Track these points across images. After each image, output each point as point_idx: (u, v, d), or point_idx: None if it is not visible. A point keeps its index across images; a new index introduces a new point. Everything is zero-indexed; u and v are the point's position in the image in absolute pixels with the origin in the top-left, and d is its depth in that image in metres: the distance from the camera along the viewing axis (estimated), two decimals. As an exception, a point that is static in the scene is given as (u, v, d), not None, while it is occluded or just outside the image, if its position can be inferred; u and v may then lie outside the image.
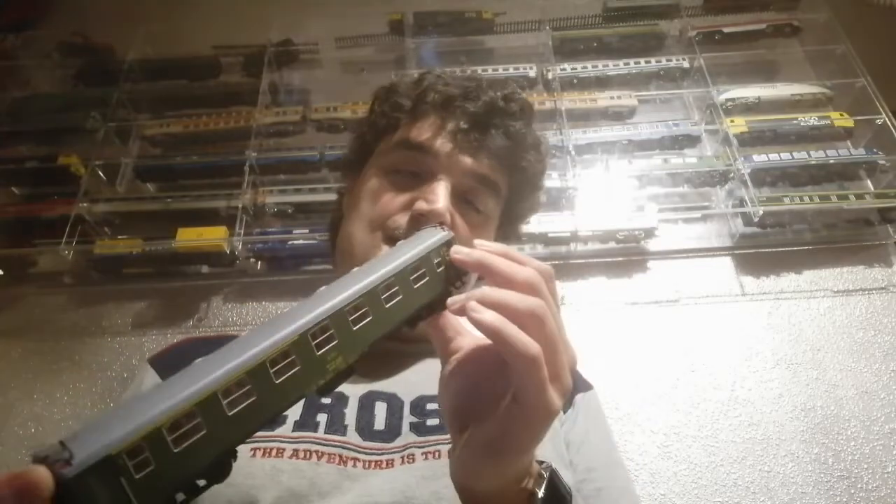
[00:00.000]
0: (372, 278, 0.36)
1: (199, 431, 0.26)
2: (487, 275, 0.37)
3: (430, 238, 0.40)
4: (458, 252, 0.39)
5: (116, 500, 0.23)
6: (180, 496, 0.26)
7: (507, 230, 0.74)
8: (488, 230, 0.68)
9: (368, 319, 0.35)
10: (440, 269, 0.40)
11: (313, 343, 0.32)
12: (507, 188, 0.69)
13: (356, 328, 0.34)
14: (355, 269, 0.37)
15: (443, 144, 0.64)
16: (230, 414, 0.27)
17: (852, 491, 0.89)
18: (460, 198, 0.64)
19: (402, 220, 0.62)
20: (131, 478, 0.24)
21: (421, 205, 0.60)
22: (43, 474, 0.22)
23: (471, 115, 0.65)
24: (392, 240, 0.62)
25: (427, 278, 0.39)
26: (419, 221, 0.60)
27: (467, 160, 0.64)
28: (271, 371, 0.29)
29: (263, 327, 0.31)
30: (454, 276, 0.41)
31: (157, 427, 0.25)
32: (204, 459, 0.27)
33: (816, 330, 1.05)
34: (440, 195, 0.60)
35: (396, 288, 0.37)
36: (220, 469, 0.28)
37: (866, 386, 0.99)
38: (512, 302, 0.34)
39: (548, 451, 0.54)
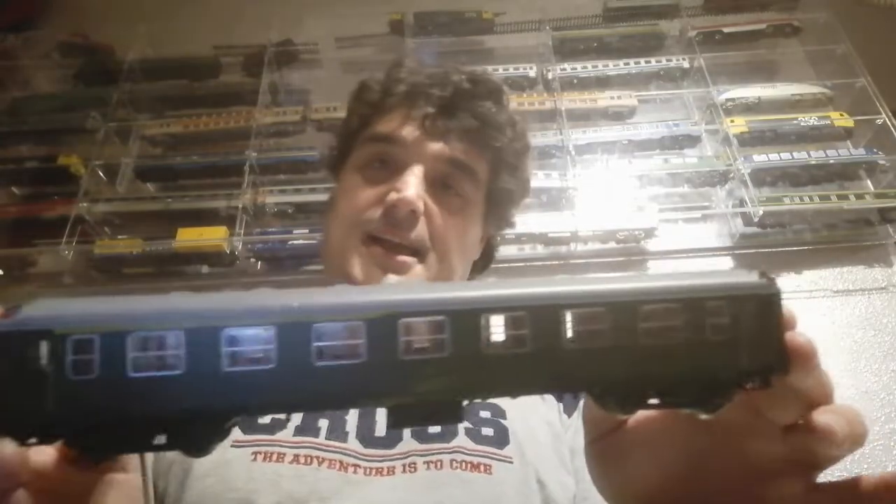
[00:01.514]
0: (550, 289, 0.23)
1: (175, 368, 0.20)
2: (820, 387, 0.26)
3: (739, 277, 0.25)
4: (795, 332, 0.25)
5: (30, 387, 0.19)
6: (161, 438, 0.21)
7: (495, 215, 0.73)
8: (471, 215, 0.67)
9: (518, 350, 0.22)
10: (717, 340, 0.24)
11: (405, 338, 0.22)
12: (485, 171, 0.68)
13: (491, 354, 0.22)
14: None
15: (410, 132, 0.64)
16: (226, 370, 0.21)
17: (852, 491, 0.89)
18: (437, 184, 0.64)
19: (375, 213, 0.62)
20: (59, 372, 0.20)
21: (392, 195, 0.60)
22: None
23: (437, 100, 0.65)
24: (369, 238, 0.61)
25: (675, 340, 0.23)
26: (392, 213, 0.60)
27: (437, 145, 0.63)
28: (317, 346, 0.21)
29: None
30: (748, 366, 0.24)
31: (124, 330, 0.20)
32: (171, 405, 0.20)
33: (816, 330, 1.05)
34: (409, 183, 0.60)
35: (673, 323, 0.23)
36: (190, 433, 0.21)
37: (866, 386, 0.99)
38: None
39: (549, 457, 0.53)
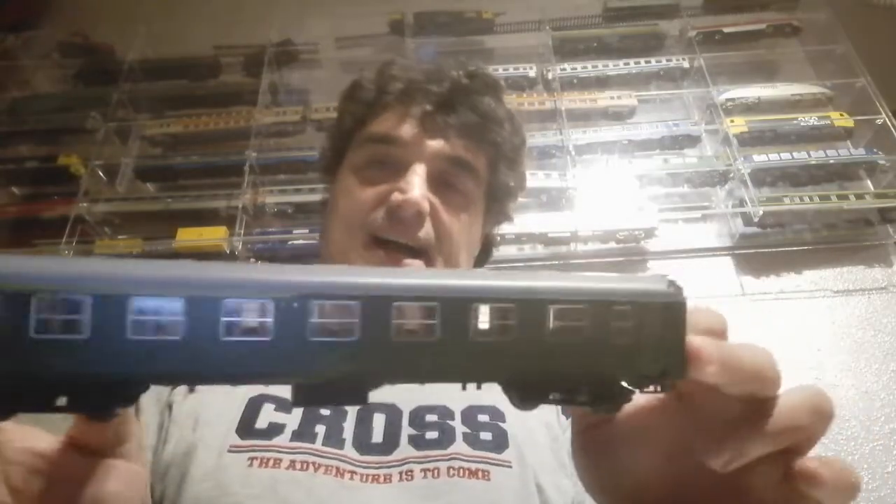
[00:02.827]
0: (476, 282, 0.24)
1: (79, 333, 0.20)
2: (732, 384, 0.26)
3: (648, 284, 0.26)
4: (699, 338, 0.25)
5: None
6: (62, 399, 0.21)
7: (495, 210, 0.72)
8: (473, 212, 0.66)
9: (428, 340, 0.23)
10: (620, 342, 0.24)
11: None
12: (485, 167, 0.67)
13: (397, 341, 0.23)
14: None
15: (409, 131, 0.62)
16: (222, 340, 0.21)
17: (852, 491, 0.89)
18: (438, 182, 0.62)
19: (378, 214, 0.60)
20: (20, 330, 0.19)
21: (396, 196, 0.58)
22: None
23: (435, 97, 0.63)
24: (374, 238, 0.60)
25: (627, 339, 0.24)
26: (397, 214, 0.59)
27: (437, 143, 0.62)
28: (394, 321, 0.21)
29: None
30: (646, 370, 0.25)
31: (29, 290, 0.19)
32: (71, 369, 0.20)
33: (816, 330, 1.05)
34: (414, 184, 0.59)
35: (580, 324, 0.24)
36: (93, 397, 0.21)
37: (866, 386, 0.99)
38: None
39: (548, 460, 0.53)
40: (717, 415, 0.27)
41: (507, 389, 0.25)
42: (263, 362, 0.21)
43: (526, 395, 0.25)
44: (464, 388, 0.24)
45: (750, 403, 0.27)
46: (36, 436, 0.27)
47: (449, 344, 0.23)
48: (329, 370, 0.22)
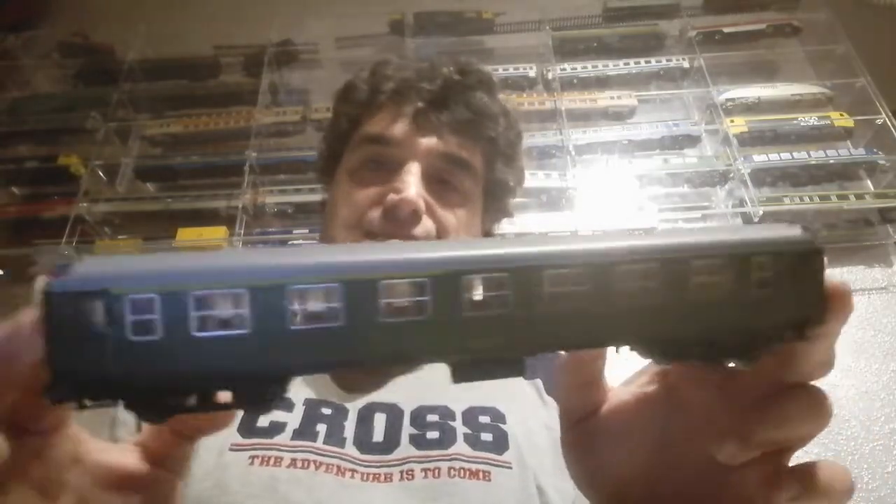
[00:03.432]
0: (604, 245, 0.22)
1: (240, 328, 0.19)
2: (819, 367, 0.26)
3: (771, 232, 0.25)
4: (846, 292, 0.25)
5: (87, 349, 0.19)
6: (175, 400, 0.20)
7: (494, 207, 0.72)
8: (471, 210, 0.66)
9: (578, 304, 0.22)
10: (761, 294, 0.24)
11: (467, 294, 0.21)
12: (481, 164, 0.67)
13: (549, 309, 0.22)
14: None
15: (402, 130, 0.62)
16: (292, 328, 0.20)
17: (852, 491, 0.89)
18: (434, 180, 0.62)
19: (375, 214, 0.60)
20: (120, 334, 0.19)
21: (391, 196, 0.58)
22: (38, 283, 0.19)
23: (427, 95, 0.63)
24: (372, 236, 0.60)
25: (720, 293, 0.23)
26: (393, 213, 0.59)
27: (431, 141, 0.62)
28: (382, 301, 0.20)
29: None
30: (788, 320, 0.25)
31: (187, 288, 0.19)
32: (235, 364, 0.20)
33: (816, 330, 1.05)
34: (409, 182, 0.59)
35: (721, 278, 0.23)
36: (256, 390, 0.21)
37: (866, 386, 0.99)
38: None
39: (549, 462, 0.52)
40: (704, 408, 0.28)
41: (650, 348, 0.25)
42: (420, 341, 0.21)
43: (668, 352, 0.25)
44: (617, 350, 0.24)
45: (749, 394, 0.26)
46: (115, 450, 0.27)
47: (594, 304, 0.22)
48: (485, 344, 0.21)
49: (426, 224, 0.60)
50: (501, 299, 0.21)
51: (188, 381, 0.20)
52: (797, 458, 0.28)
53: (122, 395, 0.20)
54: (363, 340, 0.20)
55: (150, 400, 0.20)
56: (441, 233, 0.62)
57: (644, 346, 0.25)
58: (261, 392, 0.21)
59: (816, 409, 0.27)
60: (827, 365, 0.27)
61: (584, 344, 0.24)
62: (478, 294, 0.21)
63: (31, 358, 0.19)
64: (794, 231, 0.25)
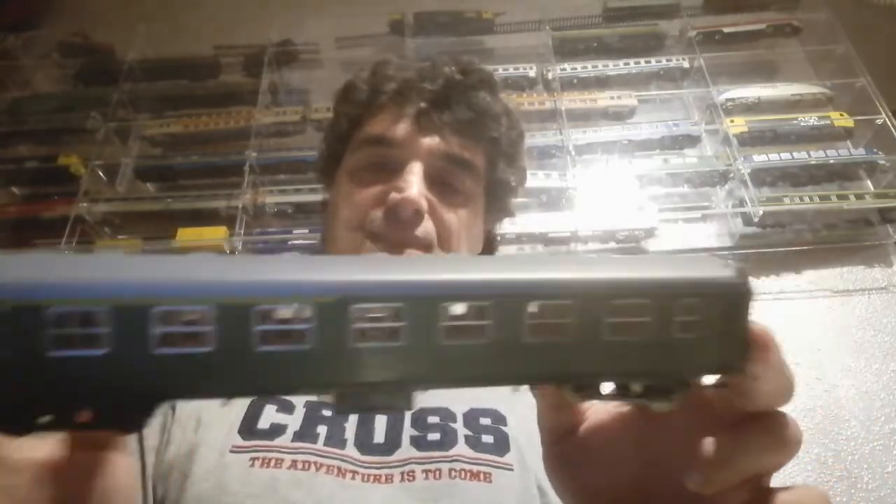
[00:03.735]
0: (595, 275, 0.22)
1: (98, 347, 0.18)
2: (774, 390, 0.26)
3: (711, 270, 0.24)
4: (767, 339, 0.25)
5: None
6: (30, 418, 0.19)
7: (496, 207, 0.71)
8: (473, 210, 0.66)
9: (480, 341, 0.21)
10: (683, 334, 0.23)
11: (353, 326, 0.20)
12: (483, 164, 0.66)
13: (449, 344, 0.21)
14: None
15: (404, 130, 0.62)
16: (257, 350, 0.19)
17: (852, 491, 0.89)
18: (436, 180, 0.62)
19: (377, 214, 0.60)
20: (38, 350, 0.17)
21: (393, 196, 0.58)
22: None
23: (429, 95, 0.63)
24: (374, 236, 0.60)
25: (694, 333, 0.23)
26: (395, 213, 0.58)
27: (433, 141, 0.62)
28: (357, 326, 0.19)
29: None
30: (708, 362, 0.24)
31: (44, 304, 0.17)
32: (96, 383, 0.18)
33: (816, 330, 1.05)
34: (410, 182, 0.58)
35: (643, 318, 0.22)
36: (123, 411, 0.19)
37: (866, 386, 0.99)
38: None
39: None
40: (679, 429, 0.28)
41: (561, 386, 0.24)
42: (298, 372, 0.20)
43: (580, 390, 0.24)
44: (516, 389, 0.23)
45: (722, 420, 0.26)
46: (34, 444, 0.26)
47: (501, 344, 0.21)
48: (373, 376, 0.20)
49: (427, 225, 0.60)
50: (394, 331, 0.20)
51: (44, 399, 0.19)
52: (796, 458, 0.28)
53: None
54: (234, 369, 0.19)
55: (6, 416, 0.19)
56: (442, 233, 0.62)
57: (553, 382, 0.24)
58: (125, 414, 0.19)
59: (778, 437, 0.26)
60: (781, 395, 0.26)
61: (480, 380, 0.22)
62: (364, 324, 0.20)
63: None
64: (726, 272, 0.24)
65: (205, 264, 0.19)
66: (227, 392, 0.20)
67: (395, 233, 0.59)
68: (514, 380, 0.23)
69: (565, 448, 0.32)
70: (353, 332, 0.19)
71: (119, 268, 0.19)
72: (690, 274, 0.23)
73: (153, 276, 0.19)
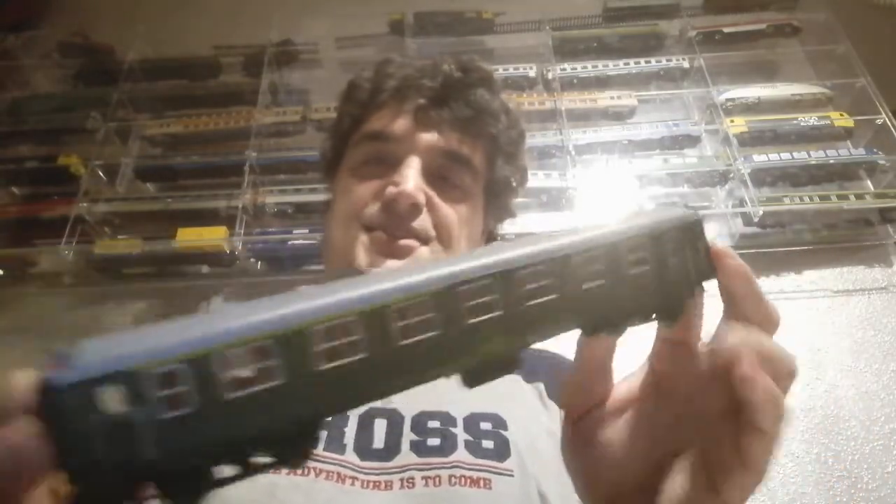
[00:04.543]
0: (565, 241, 0.25)
1: (270, 380, 0.19)
2: (742, 302, 0.30)
3: (665, 214, 0.29)
4: (724, 249, 0.30)
5: (114, 444, 0.16)
6: (221, 469, 0.19)
7: (496, 206, 0.71)
8: (471, 207, 0.66)
9: (551, 297, 0.24)
10: (673, 262, 0.28)
11: (464, 304, 0.22)
12: (482, 161, 0.67)
13: (529, 304, 0.23)
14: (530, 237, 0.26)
15: (403, 126, 0.62)
16: (319, 369, 0.19)
17: (852, 491, 0.89)
18: (435, 176, 0.62)
19: (374, 208, 0.60)
20: (148, 415, 0.17)
21: (390, 189, 0.59)
22: (21, 381, 0.17)
23: (428, 92, 0.63)
24: (370, 228, 0.60)
25: (648, 267, 0.27)
26: (392, 207, 0.59)
27: (432, 136, 0.62)
28: (396, 325, 0.21)
29: (372, 277, 0.22)
30: (693, 278, 0.29)
31: (213, 350, 0.18)
32: (270, 420, 0.19)
33: (816, 330, 1.05)
34: (408, 176, 0.59)
35: (601, 267, 0.26)
36: (292, 444, 0.20)
37: (866, 386, 0.99)
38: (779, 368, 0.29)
39: (551, 469, 0.51)
40: (696, 401, 0.30)
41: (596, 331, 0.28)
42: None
43: (613, 327, 0.28)
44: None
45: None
46: None
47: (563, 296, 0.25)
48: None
49: (424, 219, 0.61)
50: (353, 345, 0.20)
51: (229, 448, 0.19)
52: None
53: (159, 482, 0.18)
54: (381, 372, 0.21)
55: (188, 480, 0.19)
56: (441, 228, 0.62)
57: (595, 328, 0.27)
58: (296, 443, 0.20)
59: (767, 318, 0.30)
60: (766, 317, 0.30)
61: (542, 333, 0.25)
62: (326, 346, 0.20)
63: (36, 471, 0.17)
64: (679, 211, 0.30)
65: (344, 287, 0.21)
66: (380, 392, 0.22)
67: (392, 225, 0.60)
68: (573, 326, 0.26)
69: (587, 423, 0.34)
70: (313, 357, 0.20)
71: (252, 313, 0.20)
72: (662, 218, 0.29)
73: (303, 306, 0.20)
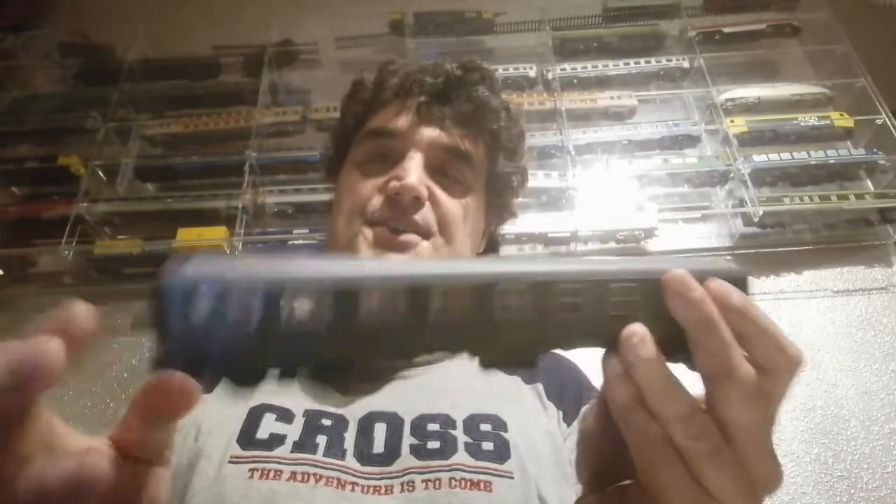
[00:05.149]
0: (606, 268, 0.27)
1: (322, 318, 0.24)
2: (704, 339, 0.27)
3: (713, 265, 0.28)
4: (682, 283, 0.27)
5: (199, 336, 0.23)
6: (274, 371, 0.25)
7: (497, 205, 0.72)
8: (473, 202, 0.66)
9: (580, 314, 0.27)
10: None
11: (497, 302, 0.26)
12: (483, 157, 0.67)
13: (561, 315, 0.26)
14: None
15: (405, 122, 0.63)
16: (361, 323, 0.25)
17: (852, 491, 0.89)
18: (437, 171, 0.63)
19: (377, 202, 0.61)
20: (227, 318, 0.23)
21: (393, 184, 0.59)
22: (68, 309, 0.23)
23: (430, 88, 0.65)
24: (372, 224, 0.61)
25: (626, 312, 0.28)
26: (395, 201, 0.59)
27: (433, 132, 0.63)
28: (435, 303, 0.25)
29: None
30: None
31: (279, 285, 0.24)
32: (307, 351, 0.25)
33: (816, 330, 1.05)
34: (410, 170, 0.60)
35: (631, 299, 0.27)
36: (330, 371, 0.27)
37: (866, 386, 0.99)
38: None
39: (551, 470, 0.52)
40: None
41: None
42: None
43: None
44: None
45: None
46: (80, 438, 0.26)
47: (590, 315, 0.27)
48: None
49: (426, 212, 0.61)
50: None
51: (276, 359, 0.25)
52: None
53: (218, 366, 0.24)
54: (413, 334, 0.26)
55: (242, 371, 0.25)
56: (442, 222, 0.62)
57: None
58: (334, 368, 0.26)
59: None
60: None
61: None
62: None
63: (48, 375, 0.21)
64: (726, 265, 0.29)
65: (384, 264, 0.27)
66: (408, 352, 0.26)
67: (394, 219, 0.60)
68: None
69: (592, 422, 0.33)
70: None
71: (326, 265, 0.26)
72: (709, 268, 0.28)
73: (351, 270, 0.26)
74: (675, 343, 0.27)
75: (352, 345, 0.25)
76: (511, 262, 0.27)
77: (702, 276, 0.27)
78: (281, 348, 0.24)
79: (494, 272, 0.26)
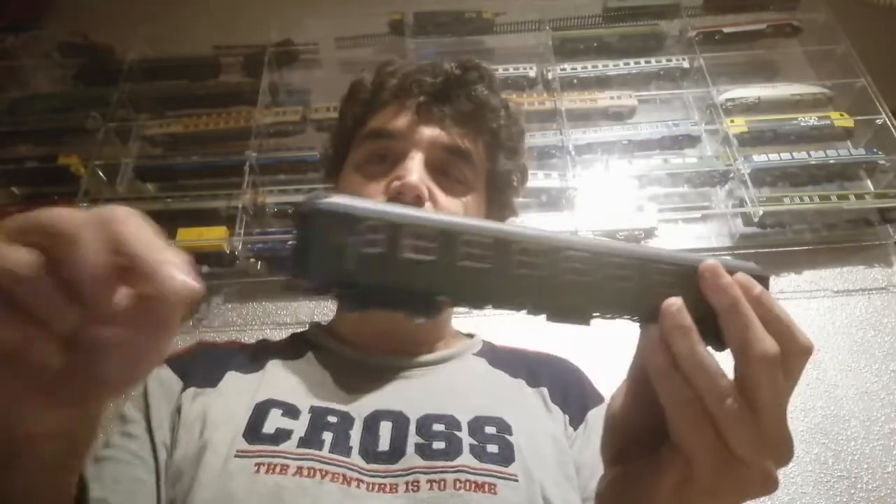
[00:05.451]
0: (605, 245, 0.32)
1: (428, 255, 0.28)
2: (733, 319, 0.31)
3: (735, 263, 0.34)
4: (715, 271, 0.32)
5: (334, 255, 0.26)
6: (378, 297, 0.28)
7: (498, 203, 0.72)
8: (474, 201, 0.66)
9: (630, 285, 0.31)
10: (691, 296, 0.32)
11: (566, 265, 0.30)
12: (483, 155, 0.67)
13: (615, 284, 0.31)
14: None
15: (405, 122, 0.63)
16: (458, 264, 0.28)
17: (852, 491, 0.89)
18: (437, 171, 0.63)
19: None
20: (357, 246, 0.27)
21: (395, 183, 0.59)
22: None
23: (429, 87, 0.65)
24: None
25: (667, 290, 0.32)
26: (397, 199, 0.59)
27: (433, 131, 0.63)
28: (516, 257, 0.29)
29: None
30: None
31: (401, 224, 0.27)
32: (414, 282, 0.28)
33: (816, 330, 1.05)
34: (411, 169, 0.59)
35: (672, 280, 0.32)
36: (424, 303, 0.29)
37: (866, 386, 0.99)
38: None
39: (555, 473, 0.52)
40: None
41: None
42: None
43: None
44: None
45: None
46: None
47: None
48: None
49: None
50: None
51: (396, 286, 0.28)
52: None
53: (349, 287, 0.27)
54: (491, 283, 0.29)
55: (365, 295, 0.28)
56: None
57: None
58: (428, 303, 0.29)
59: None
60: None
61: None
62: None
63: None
64: (751, 265, 0.34)
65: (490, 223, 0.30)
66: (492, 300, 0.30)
67: None
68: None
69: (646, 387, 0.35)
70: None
71: (440, 216, 0.30)
72: (732, 265, 0.33)
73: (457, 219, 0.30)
74: (703, 326, 0.31)
75: (448, 282, 0.28)
76: (578, 237, 0.31)
77: (731, 270, 0.32)
78: (392, 276, 0.28)
79: (572, 241, 0.31)
